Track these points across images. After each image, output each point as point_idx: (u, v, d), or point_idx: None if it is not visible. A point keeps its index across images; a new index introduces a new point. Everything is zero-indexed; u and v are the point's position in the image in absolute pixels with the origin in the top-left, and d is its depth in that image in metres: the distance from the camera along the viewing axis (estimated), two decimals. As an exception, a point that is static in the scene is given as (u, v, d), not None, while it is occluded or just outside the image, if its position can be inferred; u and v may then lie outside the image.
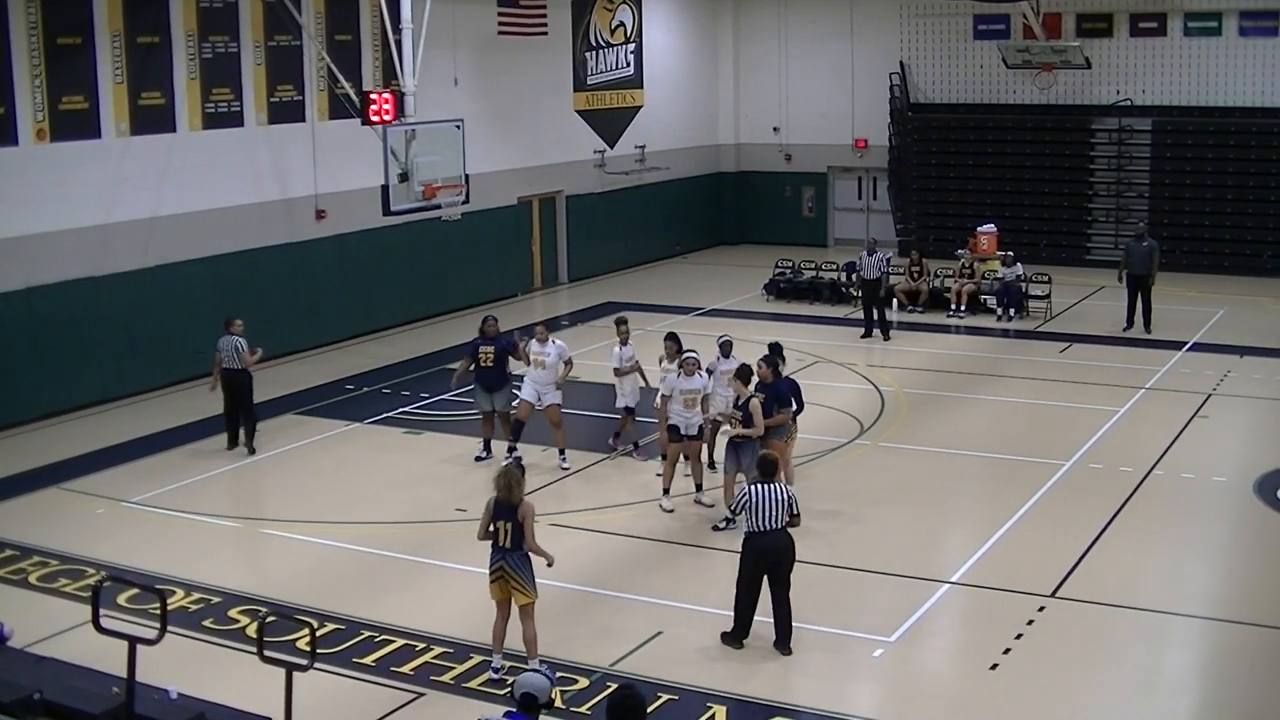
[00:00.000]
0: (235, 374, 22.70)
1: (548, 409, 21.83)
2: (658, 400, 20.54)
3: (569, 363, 22.08)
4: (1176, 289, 34.05)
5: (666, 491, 19.96)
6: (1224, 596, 17.00)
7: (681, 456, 20.14)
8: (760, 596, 15.07)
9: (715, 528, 19.17)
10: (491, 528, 14.22)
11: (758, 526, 14.76)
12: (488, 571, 14.43)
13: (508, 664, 14.56)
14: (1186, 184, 39.65)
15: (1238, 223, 39.00)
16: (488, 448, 22.31)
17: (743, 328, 31.01)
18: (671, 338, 21.70)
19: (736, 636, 15.10)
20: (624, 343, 22.46)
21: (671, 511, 19.77)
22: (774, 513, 14.71)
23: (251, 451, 22.90)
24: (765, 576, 14.92)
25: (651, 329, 30.74)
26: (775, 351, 20.26)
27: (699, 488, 20.10)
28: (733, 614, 15.17)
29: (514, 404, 22.31)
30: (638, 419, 22.69)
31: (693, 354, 20.32)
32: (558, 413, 21.91)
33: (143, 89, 26.46)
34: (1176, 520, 19.47)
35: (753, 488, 14.90)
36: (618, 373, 22.30)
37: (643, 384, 22.46)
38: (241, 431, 23.07)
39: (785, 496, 14.85)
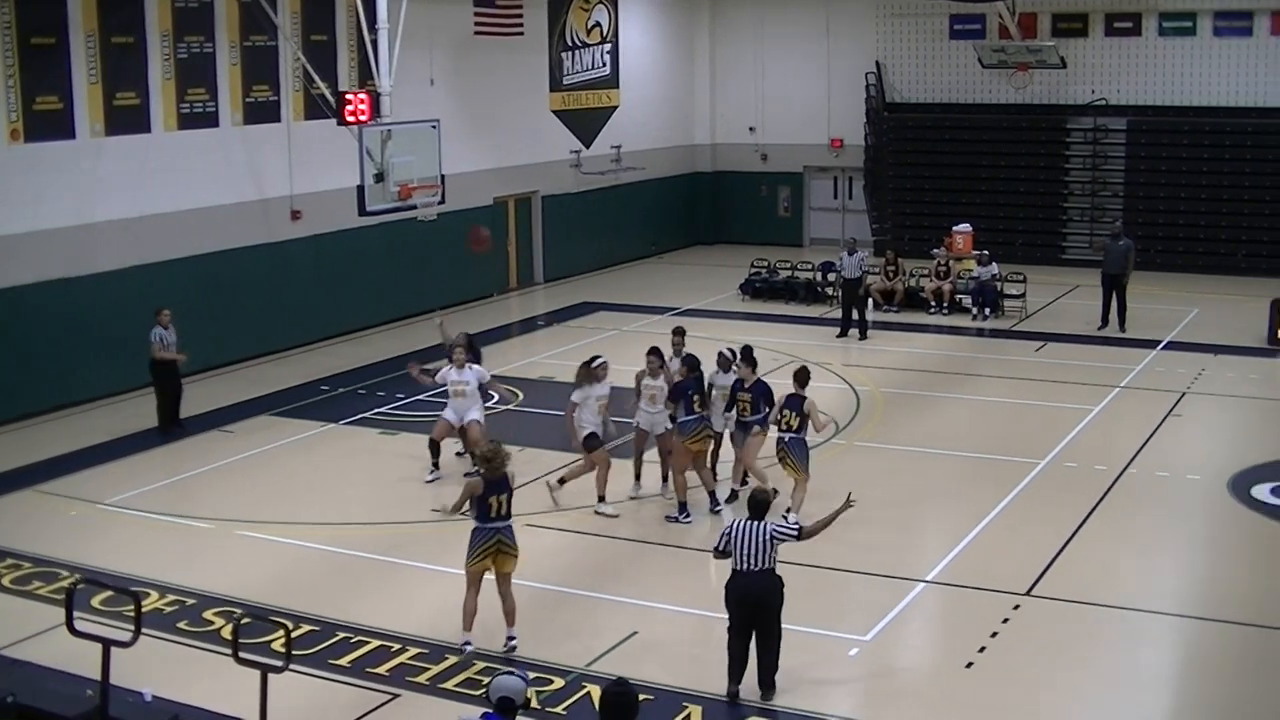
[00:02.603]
0: (163, 362, 23.93)
1: (468, 424, 21.00)
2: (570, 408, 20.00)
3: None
4: (1151, 288, 34.15)
5: (602, 498, 19.90)
6: (1199, 594, 17.07)
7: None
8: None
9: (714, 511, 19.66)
10: (488, 503, 14.68)
11: (739, 565, 13.83)
12: (478, 549, 14.80)
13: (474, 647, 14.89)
14: (1161, 183, 39.78)
15: (1212, 222, 39.15)
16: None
17: (719, 328, 31.06)
18: (655, 352, 20.62)
19: (731, 680, 13.96)
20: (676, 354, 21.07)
21: (616, 516, 19.76)
22: (756, 552, 13.73)
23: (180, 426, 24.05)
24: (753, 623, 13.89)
25: (628, 329, 30.84)
26: (746, 354, 20.16)
27: (711, 496, 19.93)
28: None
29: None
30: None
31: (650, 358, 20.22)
32: (478, 430, 20.88)
33: (118, 89, 26.37)
34: (1151, 518, 19.54)
35: (734, 523, 14.06)
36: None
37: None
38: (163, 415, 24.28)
39: (769, 536, 13.77)
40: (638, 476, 20.70)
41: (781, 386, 19.84)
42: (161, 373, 24.13)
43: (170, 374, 24.18)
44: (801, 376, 19.33)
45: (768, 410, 19.45)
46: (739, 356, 19.95)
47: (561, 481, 20.08)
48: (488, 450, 15.11)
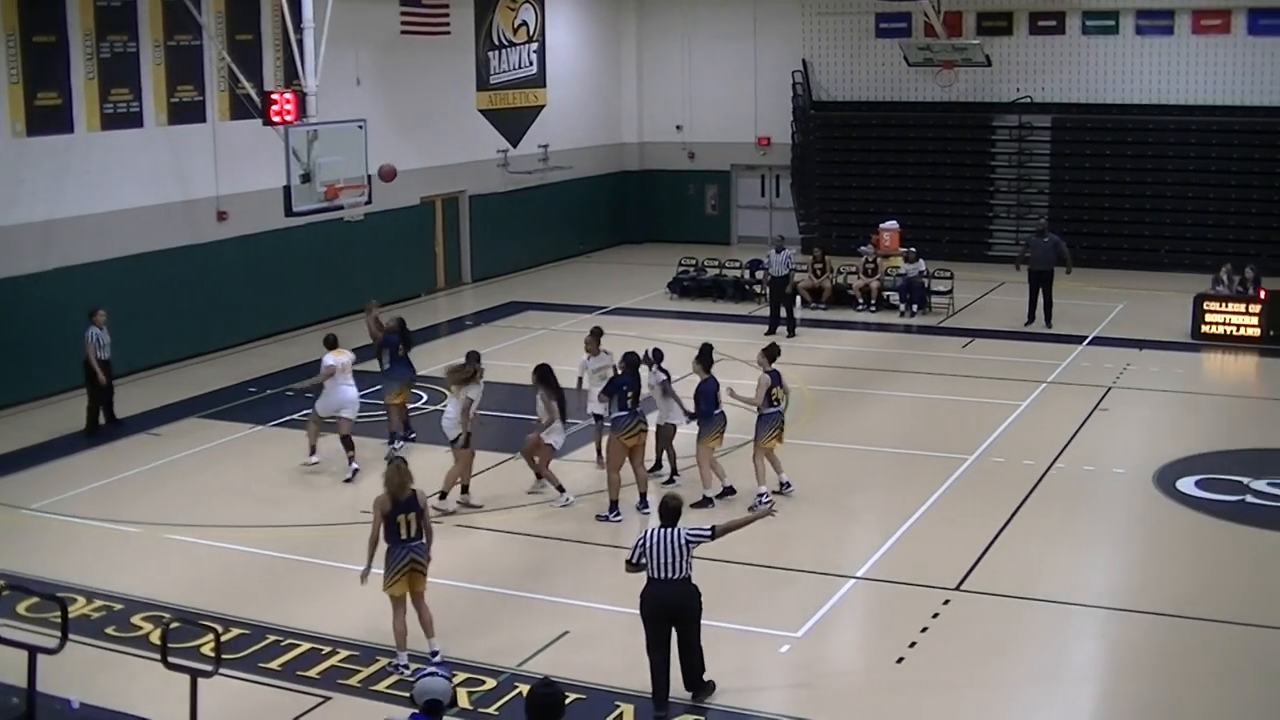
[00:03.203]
0: (101, 364, 24.00)
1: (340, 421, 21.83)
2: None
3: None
4: (1076, 284, 34.42)
5: (444, 495, 19.92)
6: (1125, 587, 17.23)
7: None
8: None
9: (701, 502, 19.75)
10: (396, 523, 14.48)
11: (654, 574, 13.49)
12: (393, 570, 14.54)
13: (414, 665, 14.55)
14: (1085, 180, 40.15)
15: (1136, 218, 39.53)
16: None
17: (647, 326, 31.12)
18: (594, 333, 21.77)
19: (657, 705, 13.60)
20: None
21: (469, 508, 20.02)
22: (671, 559, 13.43)
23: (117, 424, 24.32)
24: (672, 631, 13.59)
25: (556, 329, 30.78)
26: (706, 353, 20.60)
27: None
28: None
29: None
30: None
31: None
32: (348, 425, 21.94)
33: (39, 89, 26.08)
34: (1078, 512, 19.68)
35: (649, 532, 13.70)
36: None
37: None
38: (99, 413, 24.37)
39: (684, 541, 13.50)
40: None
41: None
42: (89, 374, 24.00)
43: (94, 375, 24.06)
44: (773, 353, 20.47)
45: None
46: (701, 353, 20.49)
47: (461, 490, 20.18)
48: (388, 473, 14.75)
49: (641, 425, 19.70)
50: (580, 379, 21.57)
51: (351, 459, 21.56)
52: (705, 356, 20.34)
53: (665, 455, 21.30)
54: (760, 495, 19.59)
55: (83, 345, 23.87)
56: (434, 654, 14.75)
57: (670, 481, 20.94)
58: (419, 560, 14.63)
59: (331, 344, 22.34)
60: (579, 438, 22.33)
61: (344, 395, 21.88)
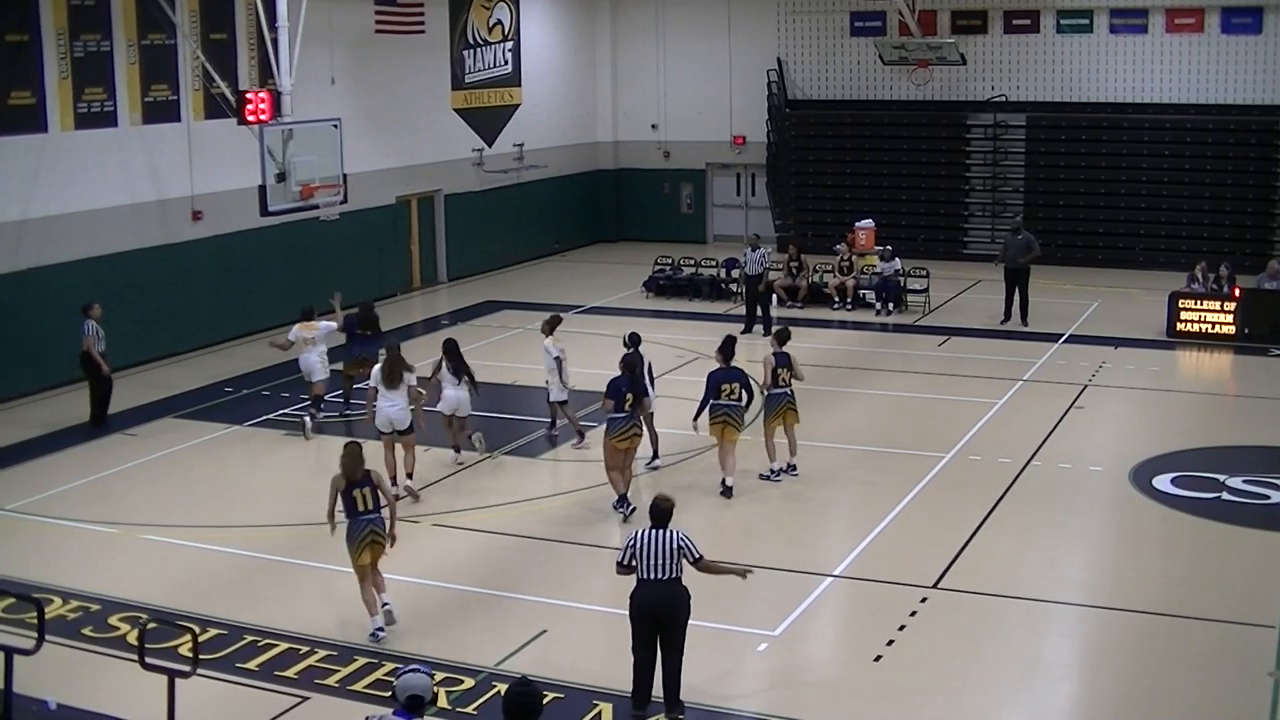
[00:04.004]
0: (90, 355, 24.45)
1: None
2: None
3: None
4: (1052, 282, 34.51)
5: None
6: (1102, 584, 17.28)
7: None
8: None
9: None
10: (352, 497, 15.49)
11: (645, 575, 13.45)
12: (356, 543, 15.42)
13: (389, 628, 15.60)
14: (1060, 179, 40.27)
15: (1110, 216, 39.67)
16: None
17: (623, 325, 30.98)
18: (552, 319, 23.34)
19: (636, 703, 13.64)
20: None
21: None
22: (662, 561, 13.39)
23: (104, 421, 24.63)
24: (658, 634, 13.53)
25: (531, 328, 30.71)
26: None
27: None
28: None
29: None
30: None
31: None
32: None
33: (12, 88, 25.97)
34: (1054, 510, 19.74)
35: (638, 533, 13.64)
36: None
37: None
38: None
39: (676, 545, 13.50)
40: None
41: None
42: (93, 367, 24.44)
43: (98, 368, 24.55)
44: (783, 336, 21.43)
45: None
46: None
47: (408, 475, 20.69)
48: (343, 456, 15.67)
49: (635, 429, 19.65)
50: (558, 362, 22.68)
51: (313, 416, 24.05)
52: (727, 348, 20.85)
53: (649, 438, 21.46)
54: (774, 471, 20.86)
55: (81, 339, 24.26)
56: (384, 604, 15.58)
57: (653, 461, 21.67)
58: (377, 531, 15.52)
59: (307, 315, 24.61)
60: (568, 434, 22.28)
61: (306, 361, 24.27)
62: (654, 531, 13.58)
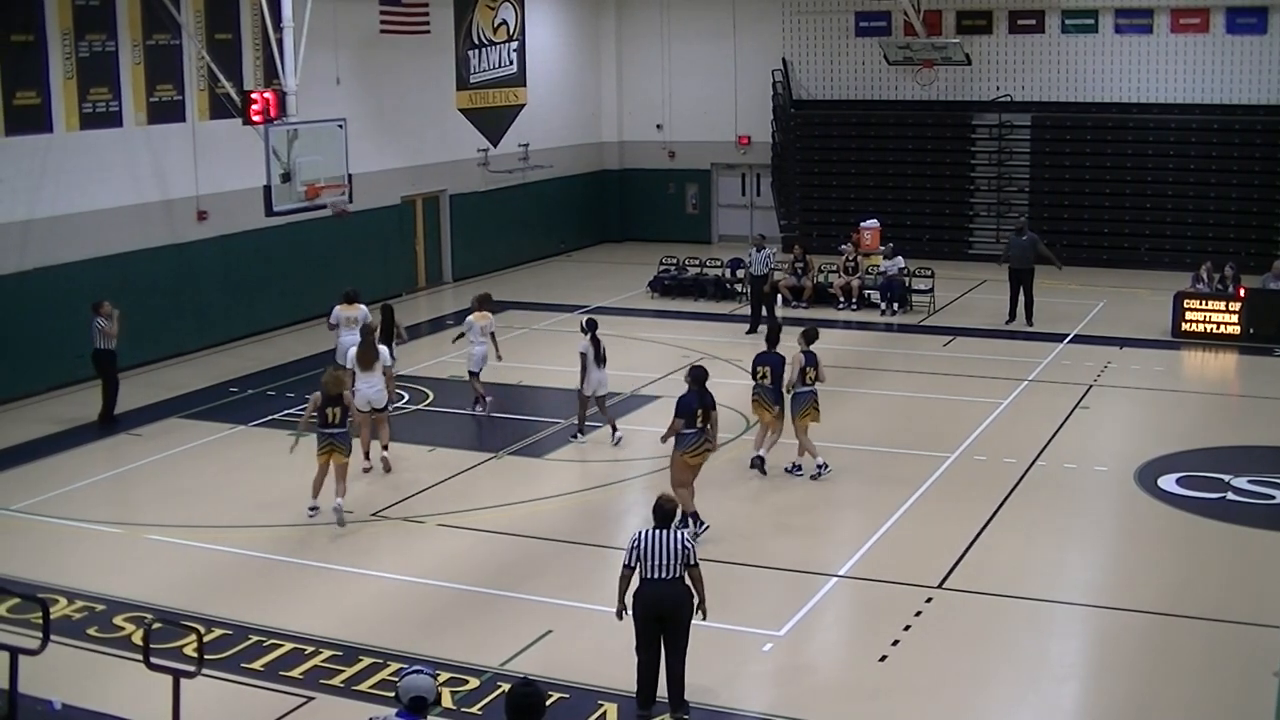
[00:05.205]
0: (99, 354, 24.68)
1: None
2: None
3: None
4: (1057, 282, 34.48)
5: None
6: (1107, 584, 17.27)
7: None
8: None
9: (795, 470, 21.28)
10: (324, 413, 19.07)
11: (648, 574, 13.41)
12: (320, 448, 19.16)
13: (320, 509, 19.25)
14: (1065, 179, 40.25)
15: (1115, 216, 39.65)
16: None
17: (628, 325, 31.11)
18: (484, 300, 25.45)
19: (640, 703, 13.66)
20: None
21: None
22: (665, 560, 13.36)
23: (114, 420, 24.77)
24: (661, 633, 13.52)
25: (537, 327, 30.74)
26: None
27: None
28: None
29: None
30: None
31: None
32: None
33: (17, 88, 25.98)
34: (1060, 510, 19.73)
35: (642, 533, 13.58)
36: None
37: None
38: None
39: (680, 545, 13.48)
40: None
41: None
42: (106, 364, 24.78)
43: (110, 365, 24.75)
44: (811, 335, 21.69)
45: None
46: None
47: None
48: (326, 376, 19.43)
49: (707, 444, 18.66)
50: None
51: None
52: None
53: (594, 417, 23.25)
54: (820, 466, 21.12)
55: (95, 337, 24.56)
56: (337, 506, 19.09)
57: (616, 444, 22.90)
58: (338, 444, 19.20)
59: (350, 298, 25.60)
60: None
61: (345, 342, 24.64)
62: (656, 531, 13.56)
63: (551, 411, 23.95)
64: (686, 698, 13.64)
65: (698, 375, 18.87)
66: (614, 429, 23.15)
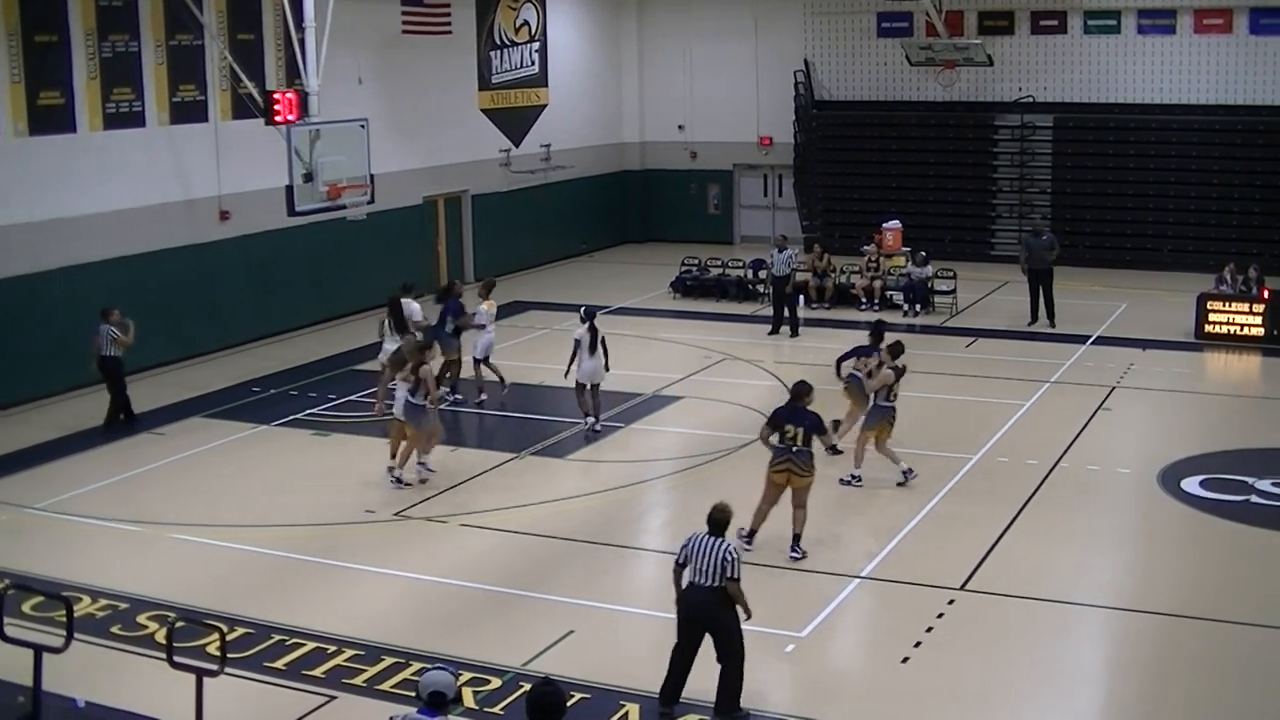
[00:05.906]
0: (106, 360, 24.38)
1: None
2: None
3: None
4: (1079, 283, 34.42)
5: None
6: (1130, 587, 17.21)
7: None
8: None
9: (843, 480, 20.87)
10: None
11: (694, 578, 13.52)
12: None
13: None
14: (1088, 179, 40.13)
15: (1138, 217, 39.50)
16: None
17: (650, 326, 31.10)
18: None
19: (662, 700, 13.72)
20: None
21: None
22: (708, 567, 13.39)
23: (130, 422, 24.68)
24: (699, 638, 13.60)
25: (559, 328, 30.75)
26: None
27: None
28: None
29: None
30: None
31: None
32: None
33: (41, 88, 26.05)
34: (1082, 512, 19.67)
35: (696, 536, 13.65)
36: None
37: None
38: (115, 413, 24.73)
39: (722, 557, 13.40)
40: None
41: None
42: (111, 370, 24.54)
43: (116, 371, 24.56)
44: (897, 350, 21.43)
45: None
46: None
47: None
48: (408, 344, 21.36)
49: (791, 464, 17.70)
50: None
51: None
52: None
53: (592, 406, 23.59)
54: (854, 476, 20.84)
55: (104, 343, 24.33)
56: (391, 467, 20.73)
57: (595, 431, 23.47)
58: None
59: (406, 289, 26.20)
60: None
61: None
62: (709, 538, 13.63)
63: (573, 412, 23.94)
64: (710, 698, 13.58)
65: (793, 389, 18.25)
66: (596, 418, 23.61)
